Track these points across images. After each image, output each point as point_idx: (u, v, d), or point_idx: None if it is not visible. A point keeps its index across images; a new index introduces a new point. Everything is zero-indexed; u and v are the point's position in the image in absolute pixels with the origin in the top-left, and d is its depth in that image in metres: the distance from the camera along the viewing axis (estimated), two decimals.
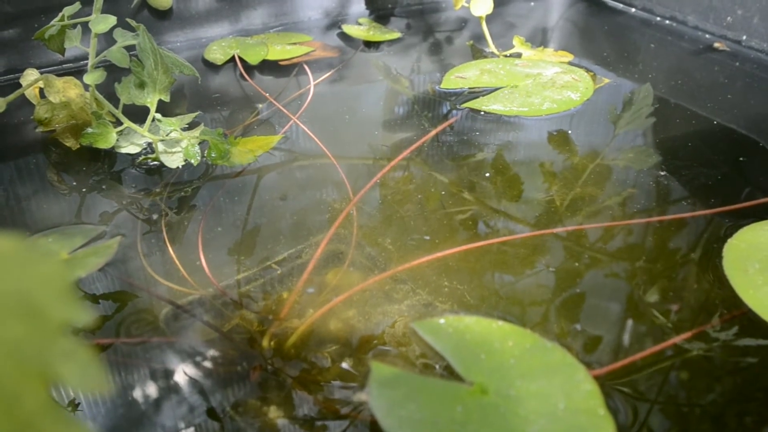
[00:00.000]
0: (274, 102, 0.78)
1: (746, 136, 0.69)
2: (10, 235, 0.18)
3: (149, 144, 0.67)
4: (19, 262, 0.17)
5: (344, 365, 0.42)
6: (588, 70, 0.83)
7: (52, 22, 0.66)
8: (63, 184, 0.63)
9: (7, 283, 0.17)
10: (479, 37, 0.96)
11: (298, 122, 0.73)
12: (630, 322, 0.45)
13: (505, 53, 0.91)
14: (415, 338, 0.43)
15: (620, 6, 1.07)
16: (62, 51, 0.68)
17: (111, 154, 0.67)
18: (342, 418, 0.39)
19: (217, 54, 0.91)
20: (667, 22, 1.00)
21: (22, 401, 0.16)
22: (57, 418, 0.16)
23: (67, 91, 0.67)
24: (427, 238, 0.54)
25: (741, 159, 0.65)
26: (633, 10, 1.05)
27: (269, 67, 0.89)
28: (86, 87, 0.68)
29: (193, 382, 0.41)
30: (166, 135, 0.64)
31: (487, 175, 0.63)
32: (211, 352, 0.44)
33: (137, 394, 0.41)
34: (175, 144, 0.65)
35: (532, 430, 0.35)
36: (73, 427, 0.16)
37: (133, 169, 0.65)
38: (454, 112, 0.76)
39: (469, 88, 0.80)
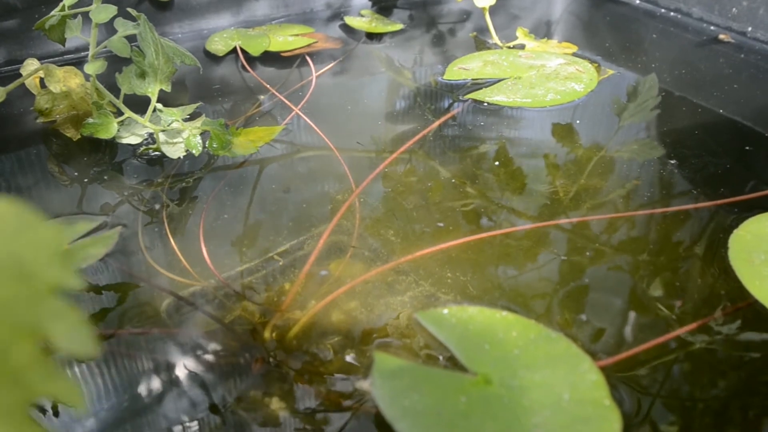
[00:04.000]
0: (276, 93, 0.78)
1: (752, 128, 0.69)
2: (6, 198, 0.18)
3: (150, 134, 0.67)
4: (14, 225, 0.17)
5: (346, 356, 0.42)
6: (592, 62, 0.83)
7: (53, 12, 0.65)
8: (64, 174, 0.63)
9: (2, 246, 0.17)
10: (482, 29, 0.96)
11: (300, 113, 0.73)
12: (635, 314, 0.45)
13: (508, 45, 0.90)
14: (418, 329, 0.43)
15: None
16: (63, 41, 0.68)
17: (112, 145, 0.67)
18: (344, 409, 0.38)
19: (218, 45, 0.90)
20: (672, 13, 0.99)
21: (11, 356, 0.16)
22: (46, 371, 0.16)
23: (68, 81, 0.67)
24: (430, 229, 0.53)
25: (746, 151, 0.65)
26: (637, 1, 1.05)
27: (271, 58, 0.88)
28: (87, 77, 0.67)
29: (194, 373, 0.41)
30: (168, 125, 0.64)
31: (490, 166, 0.63)
32: (213, 344, 0.43)
33: (139, 385, 0.41)
34: (177, 134, 0.65)
35: (536, 420, 0.35)
36: (61, 380, 0.16)
37: (135, 160, 0.64)
38: (457, 103, 0.75)
39: (472, 80, 0.80)
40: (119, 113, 0.65)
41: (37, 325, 0.17)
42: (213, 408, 0.39)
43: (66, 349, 0.17)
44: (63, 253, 0.18)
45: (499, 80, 0.78)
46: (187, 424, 0.38)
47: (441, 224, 0.54)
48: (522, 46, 0.89)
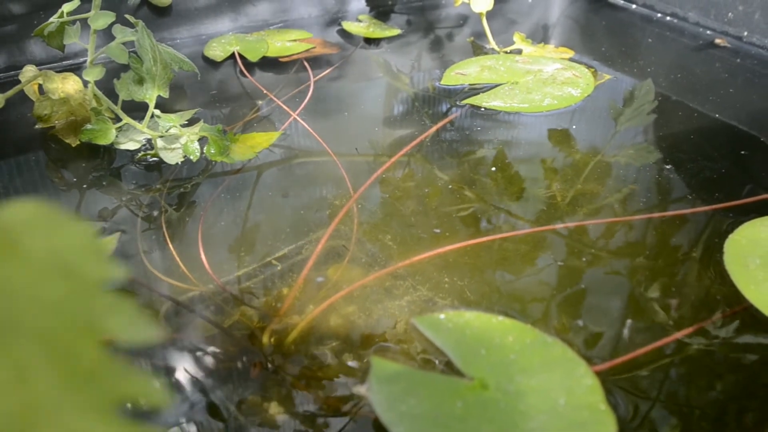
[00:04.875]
0: (274, 98, 0.78)
1: (748, 133, 0.69)
2: (33, 201, 0.18)
3: (148, 140, 0.67)
4: (47, 225, 0.17)
5: (344, 361, 0.42)
6: (589, 67, 0.83)
7: (52, 19, 0.66)
8: (62, 180, 0.63)
9: (40, 246, 0.17)
10: (480, 34, 0.96)
11: (298, 119, 0.73)
12: (631, 318, 0.45)
13: (505, 50, 0.90)
14: (415, 334, 0.43)
15: (621, 2, 1.07)
16: (61, 47, 0.68)
17: (110, 151, 0.67)
18: (342, 414, 0.39)
19: (216, 51, 0.91)
20: (668, 18, 1.00)
21: (79, 357, 0.16)
22: (116, 368, 0.16)
23: (66, 87, 0.67)
24: (428, 234, 0.53)
25: (742, 155, 0.65)
26: (634, 6, 1.05)
27: (269, 63, 0.89)
28: (85, 83, 0.68)
29: (193, 378, 0.41)
30: (166, 131, 0.64)
31: (488, 171, 0.63)
32: (212, 349, 0.43)
33: None
34: (175, 140, 0.65)
35: (532, 425, 0.35)
36: (137, 376, 0.16)
37: (133, 166, 0.65)
38: (455, 108, 0.75)
39: (470, 85, 0.80)
40: (117, 119, 0.65)
41: (95, 322, 0.17)
42: (211, 412, 0.39)
43: (129, 340, 0.17)
44: (98, 247, 0.18)
45: (497, 85, 0.79)
46: (185, 428, 0.38)
47: (438, 229, 0.54)
48: (519, 51, 0.90)
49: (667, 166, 0.63)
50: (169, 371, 0.42)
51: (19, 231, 0.17)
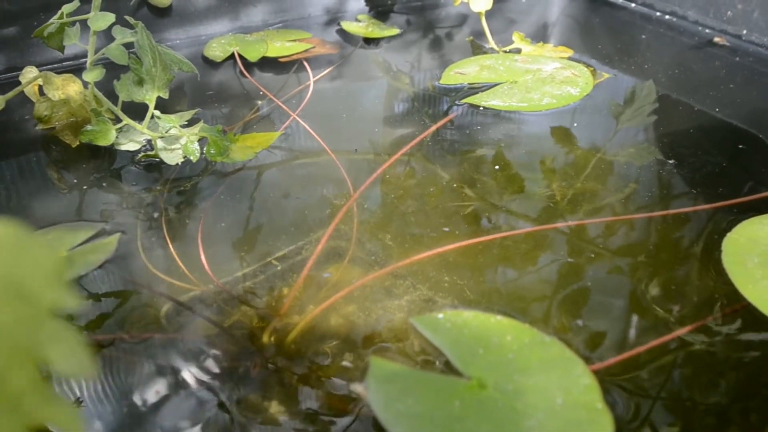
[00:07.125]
0: (274, 99, 0.78)
1: (747, 131, 0.69)
2: (3, 221, 0.18)
3: (148, 141, 0.67)
4: (11, 248, 0.17)
5: (344, 361, 0.42)
6: (588, 66, 0.83)
7: (52, 20, 0.66)
8: (63, 181, 0.63)
9: None
10: (479, 33, 0.96)
11: (297, 119, 0.73)
12: (630, 317, 0.45)
13: (504, 49, 0.91)
14: (414, 334, 0.44)
15: (620, 1, 1.07)
16: (61, 49, 0.68)
17: (111, 151, 0.67)
18: (341, 413, 0.39)
19: (216, 51, 0.91)
20: (667, 17, 1.00)
21: (10, 380, 0.16)
22: (45, 396, 0.16)
23: (67, 88, 0.68)
24: (428, 233, 0.54)
25: (741, 153, 0.65)
26: (633, 5, 1.05)
27: (269, 64, 0.89)
28: (85, 84, 0.68)
29: (193, 377, 0.42)
30: (165, 132, 0.64)
31: (488, 170, 0.63)
32: (212, 348, 0.44)
33: (138, 390, 0.41)
34: (175, 141, 0.65)
35: (530, 424, 0.35)
36: (60, 404, 0.16)
37: (133, 166, 0.65)
38: (454, 107, 0.76)
39: (469, 84, 0.80)
40: (117, 120, 0.65)
41: (35, 348, 0.17)
42: (211, 412, 0.39)
43: (64, 371, 0.17)
44: (59, 272, 0.18)
45: (496, 84, 0.79)
46: (185, 428, 0.38)
47: (439, 228, 0.54)
48: (518, 50, 0.90)
49: (668, 164, 0.63)
50: (170, 370, 0.42)
51: None
